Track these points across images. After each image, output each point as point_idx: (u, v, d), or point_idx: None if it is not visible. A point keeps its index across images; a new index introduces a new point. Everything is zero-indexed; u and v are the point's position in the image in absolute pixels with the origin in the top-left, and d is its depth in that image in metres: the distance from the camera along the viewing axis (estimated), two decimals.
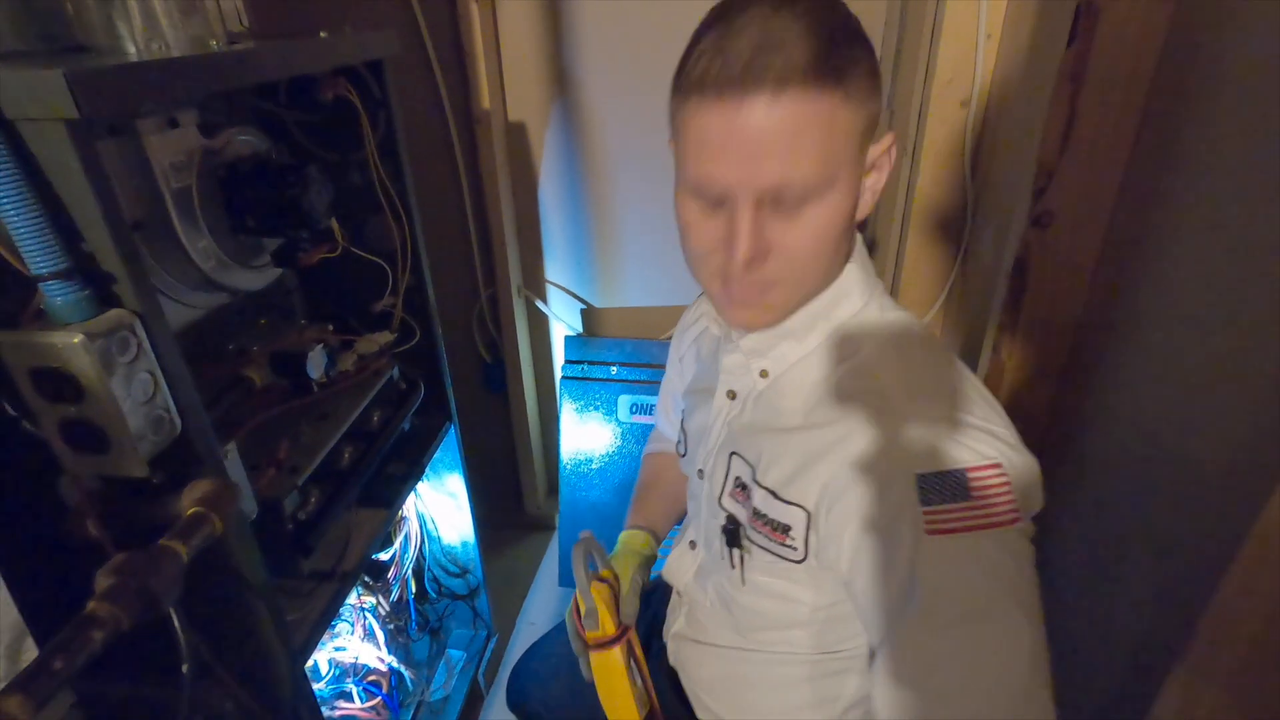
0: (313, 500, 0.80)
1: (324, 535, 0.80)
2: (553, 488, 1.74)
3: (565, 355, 1.50)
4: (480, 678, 1.34)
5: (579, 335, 1.53)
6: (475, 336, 1.57)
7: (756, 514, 0.63)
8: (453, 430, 1.11)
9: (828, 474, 0.56)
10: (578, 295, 1.52)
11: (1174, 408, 0.76)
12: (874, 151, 0.54)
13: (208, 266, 0.73)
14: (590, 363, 1.48)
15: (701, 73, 0.48)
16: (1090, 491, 0.90)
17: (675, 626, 0.82)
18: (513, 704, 1.03)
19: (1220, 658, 0.59)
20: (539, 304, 1.51)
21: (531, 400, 1.59)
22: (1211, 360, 0.71)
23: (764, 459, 0.62)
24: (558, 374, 1.57)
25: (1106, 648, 0.85)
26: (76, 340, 0.47)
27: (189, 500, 0.52)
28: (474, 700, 1.33)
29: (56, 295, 0.49)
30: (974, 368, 1.08)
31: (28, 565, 0.66)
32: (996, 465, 0.50)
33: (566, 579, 1.55)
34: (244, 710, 0.73)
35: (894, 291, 1.30)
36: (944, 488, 0.49)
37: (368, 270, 0.93)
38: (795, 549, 0.61)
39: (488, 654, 1.36)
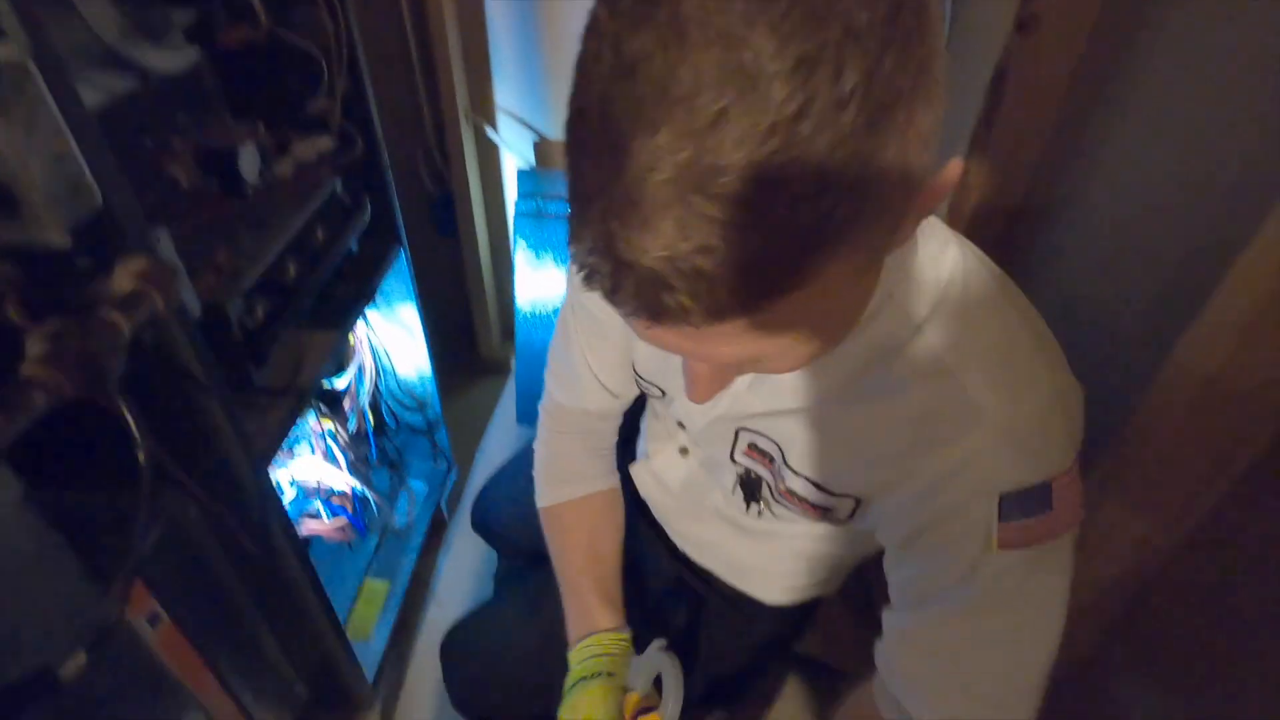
0: (259, 311, 0.76)
1: (274, 345, 0.76)
2: (507, 331, 1.72)
3: (519, 190, 1.42)
4: (443, 507, 1.38)
5: (533, 169, 1.45)
6: (420, 169, 1.47)
7: (792, 493, 0.57)
8: (403, 255, 1.06)
9: (889, 475, 0.49)
10: (530, 125, 1.42)
11: (1095, 278, 0.79)
12: (924, 198, 0.34)
13: (109, 36, 0.63)
14: (546, 197, 1.41)
15: (595, 276, 0.32)
16: None
17: (653, 494, 0.79)
18: (477, 526, 1.06)
19: (1126, 472, 0.64)
20: (489, 132, 1.41)
21: (483, 238, 1.53)
22: (1128, 234, 0.73)
23: (796, 446, 0.54)
24: (510, 210, 1.50)
25: None
26: None
27: (123, 276, 0.48)
28: (437, 527, 1.38)
29: None
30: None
31: None
32: (1074, 466, 0.45)
33: (524, 417, 1.57)
34: (208, 514, 0.73)
35: None
36: (1026, 503, 0.44)
37: (298, 63, 0.83)
38: (837, 520, 0.57)
39: (449, 485, 1.39)
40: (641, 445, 0.80)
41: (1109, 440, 0.65)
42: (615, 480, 0.77)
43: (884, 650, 0.54)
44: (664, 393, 0.64)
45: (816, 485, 0.55)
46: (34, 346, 0.41)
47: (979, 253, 0.49)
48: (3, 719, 0.48)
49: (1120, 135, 0.77)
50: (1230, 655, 0.61)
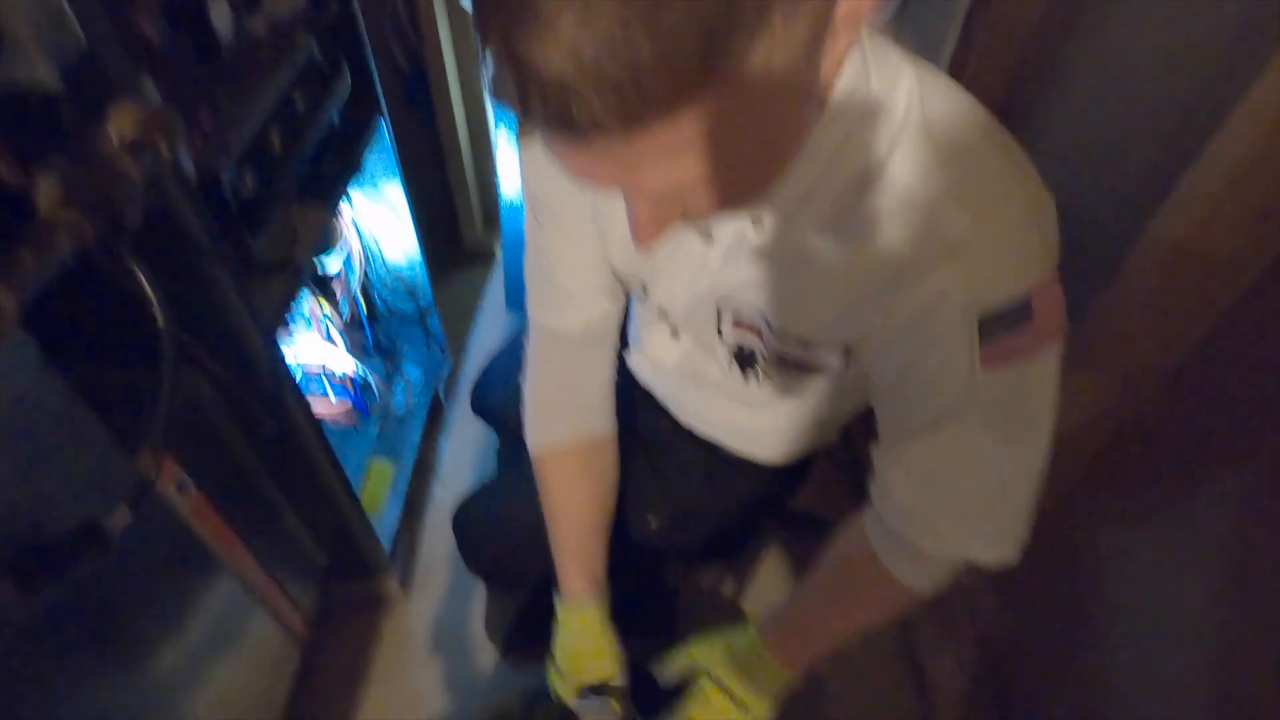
0: (249, 181, 0.73)
1: (268, 217, 0.74)
2: (490, 217, 1.68)
3: None
4: (440, 393, 1.39)
5: None
6: (392, 43, 1.37)
7: (782, 357, 0.58)
8: (384, 126, 1.01)
9: (873, 316, 0.49)
10: None
11: (1072, 180, 0.79)
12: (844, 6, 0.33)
13: None
14: None
15: (505, 95, 0.30)
16: None
17: (652, 379, 0.79)
18: (477, 409, 1.08)
19: (1101, 334, 0.69)
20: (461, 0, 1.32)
21: (460, 117, 1.46)
22: (1101, 142, 0.76)
23: (779, 307, 0.54)
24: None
25: None
26: None
27: (124, 122, 0.46)
28: (436, 413, 1.40)
29: None
30: None
31: None
32: (1052, 276, 0.45)
33: (513, 302, 1.56)
34: (222, 388, 0.73)
35: None
36: (1007, 318, 0.44)
37: None
38: (830, 371, 0.58)
39: (445, 371, 1.40)
40: (634, 333, 0.80)
41: (1082, 315, 0.69)
42: (608, 427, 0.74)
43: (879, 484, 0.56)
44: (645, 286, 0.64)
45: (805, 342, 0.55)
46: (48, 191, 0.39)
47: (934, 70, 0.47)
48: (59, 569, 0.50)
49: (1105, 24, 0.76)
50: (1189, 490, 0.67)
